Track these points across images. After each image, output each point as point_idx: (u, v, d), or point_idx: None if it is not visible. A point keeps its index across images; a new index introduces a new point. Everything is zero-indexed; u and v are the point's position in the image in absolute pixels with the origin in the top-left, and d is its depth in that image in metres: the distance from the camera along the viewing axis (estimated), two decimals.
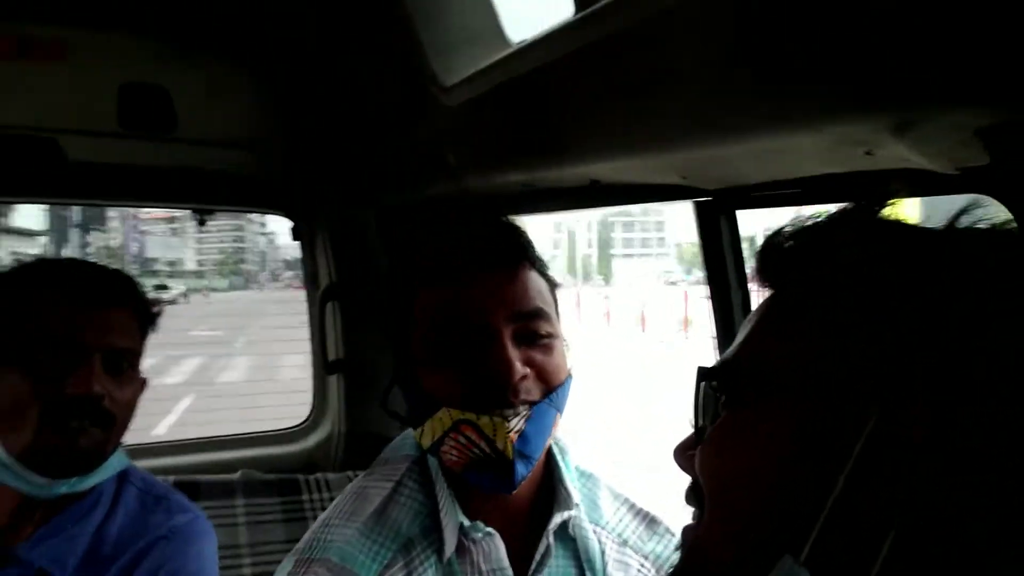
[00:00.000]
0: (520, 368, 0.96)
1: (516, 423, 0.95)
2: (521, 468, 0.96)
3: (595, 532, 1.07)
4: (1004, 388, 0.49)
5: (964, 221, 0.57)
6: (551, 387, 1.00)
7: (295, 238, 2.09)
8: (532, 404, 0.97)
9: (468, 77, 1.28)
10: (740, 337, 0.61)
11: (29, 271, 1.18)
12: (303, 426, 2.13)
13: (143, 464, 1.44)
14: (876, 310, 0.53)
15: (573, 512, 1.04)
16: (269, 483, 1.85)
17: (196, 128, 1.84)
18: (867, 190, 0.87)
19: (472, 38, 1.31)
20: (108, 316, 1.14)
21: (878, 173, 0.84)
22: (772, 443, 0.54)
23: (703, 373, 0.61)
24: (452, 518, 0.99)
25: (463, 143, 1.38)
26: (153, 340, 1.26)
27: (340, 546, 0.97)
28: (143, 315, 1.22)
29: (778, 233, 0.61)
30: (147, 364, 1.24)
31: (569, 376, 1.03)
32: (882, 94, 0.69)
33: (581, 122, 1.09)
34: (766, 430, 0.55)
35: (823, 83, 0.74)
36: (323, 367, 2.07)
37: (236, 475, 1.86)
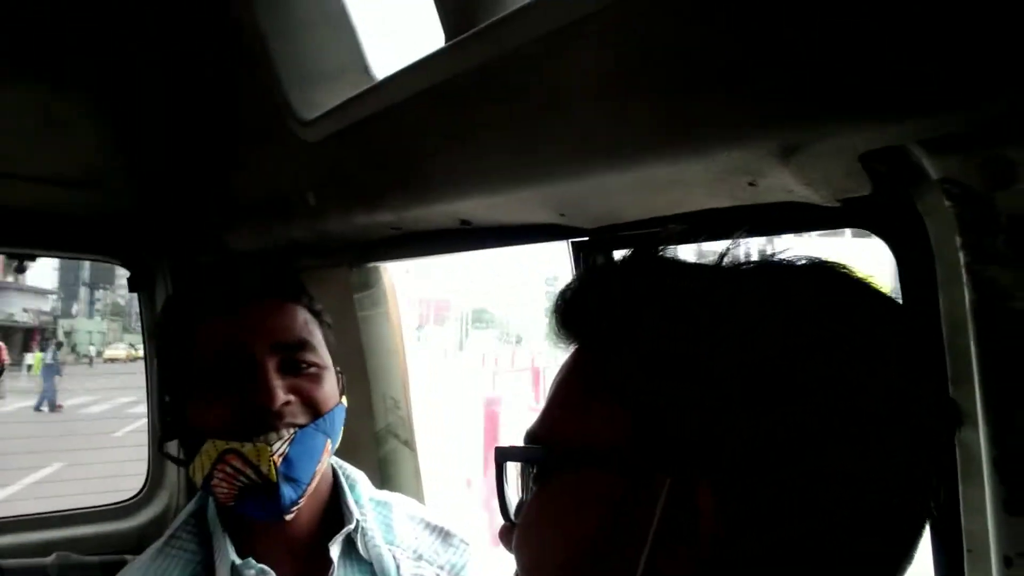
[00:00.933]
0: (282, 395, 0.99)
1: (280, 447, 0.97)
2: (288, 491, 0.98)
3: (390, 551, 1.08)
4: (786, 451, 0.48)
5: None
6: (318, 414, 1.02)
7: (132, 289, 1.91)
8: (297, 428, 1.00)
9: (328, 111, 1.20)
10: (544, 406, 0.58)
11: None
12: (135, 500, 1.90)
13: None
14: (652, 370, 0.51)
15: (353, 526, 1.06)
16: (90, 566, 1.63)
17: (24, 163, 1.66)
18: (748, 225, 0.85)
19: (335, 73, 1.23)
20: None
21: (761, 207, 0.82)
22: (578, 521, 0.52)
23: (502, 453, 0.58)
24: (224, 559, 0.99)
25: (324, 182, 1.28)
26: None
27: None
28: None
29: (569, 288, 0.58)
30: None
31: (339, 405, 1.06)
32: (769, 115, 0.67)
33: (449, 157, 1.03)
34: (571, 507, 0.53)
35: (712, 106, 0.72)
36: (161, 432, 1.88)
37: (50, 558, 1.64)
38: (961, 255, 0.64)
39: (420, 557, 1.12)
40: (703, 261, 0.57)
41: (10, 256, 1.83)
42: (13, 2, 1.47)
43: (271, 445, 0.97)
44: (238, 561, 0.99)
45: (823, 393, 0.48)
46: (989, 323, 0.62)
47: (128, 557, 1.66)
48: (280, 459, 0.97)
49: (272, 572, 1.01)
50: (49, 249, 1.87)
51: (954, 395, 0.69)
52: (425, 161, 1.08)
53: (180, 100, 1.57)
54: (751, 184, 0.76)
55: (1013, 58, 0.53)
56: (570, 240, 1.06)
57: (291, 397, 1.01)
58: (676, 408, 0.50)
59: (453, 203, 1.08)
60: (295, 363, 1.03)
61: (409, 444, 1.56)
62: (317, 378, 1.04)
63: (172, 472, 1.89)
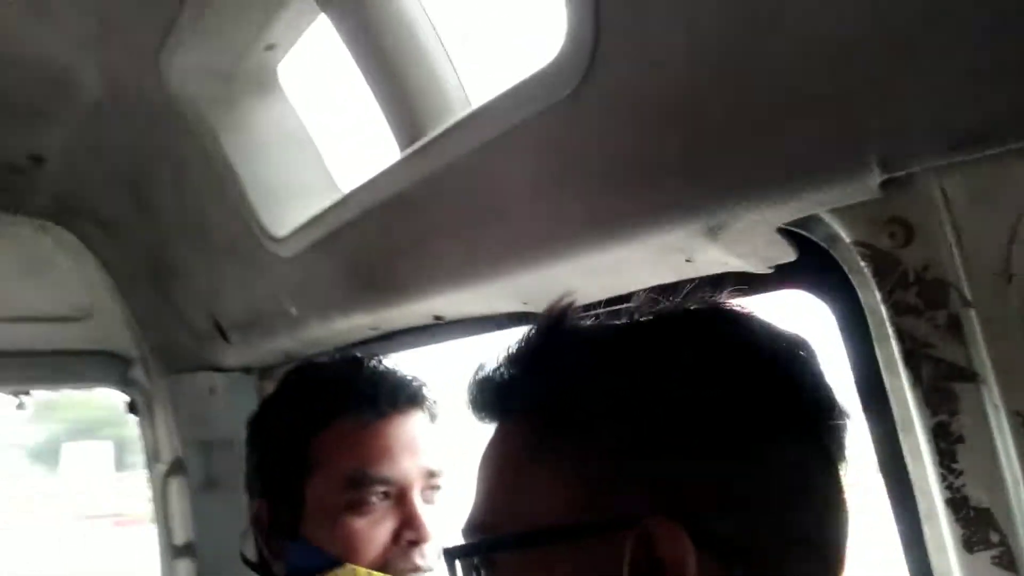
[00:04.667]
0: (432, 528, 0.91)
1: None
2: None
3: None
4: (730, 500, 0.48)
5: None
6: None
7: (130, 411, 1.95)
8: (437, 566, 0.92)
9: (299, 227, 1.26)
10: (478, 492, 0.56)
11: None
12: None
13: None
14: (585, 434, 0.51)
15: None
16: None
17: (18, 304, 1.71)
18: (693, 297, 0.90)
19: (302, 190, 1.30)
20: None
21: (704, 279, 0.87)
22: None
23: (451, 553, 0.55)
24: None
25: (302, 292, 1.34)
26: None
27: None
28: None
29: (487, 366, 0.57)
30: None
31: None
32: (690, 202, 0.73)
33: (413, 260, 1.09)
34: None
35: (637, 197, 0.77)
36: (170, 552, 1.88)
37: None
38: (883, 309, 0.68)
39: None
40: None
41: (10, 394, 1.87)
42: None
43: None
44: None
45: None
46: (918, 371, 0.66)
47: None
48: None
49: None
50: (46, 384, 1.90)
51: (903, 442, 0.73)
52: (392, 265, 1.13)
53: (158, 231, 1.63)
54: (688, 261, 0.81)
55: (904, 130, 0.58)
56: None
57: (435, 529, 0.92)
58: (627, 460, 0.49)
59: (422, 301, 1.12)
60: (431, 491, 0.95)
61: None
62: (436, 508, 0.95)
63: None
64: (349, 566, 0.90)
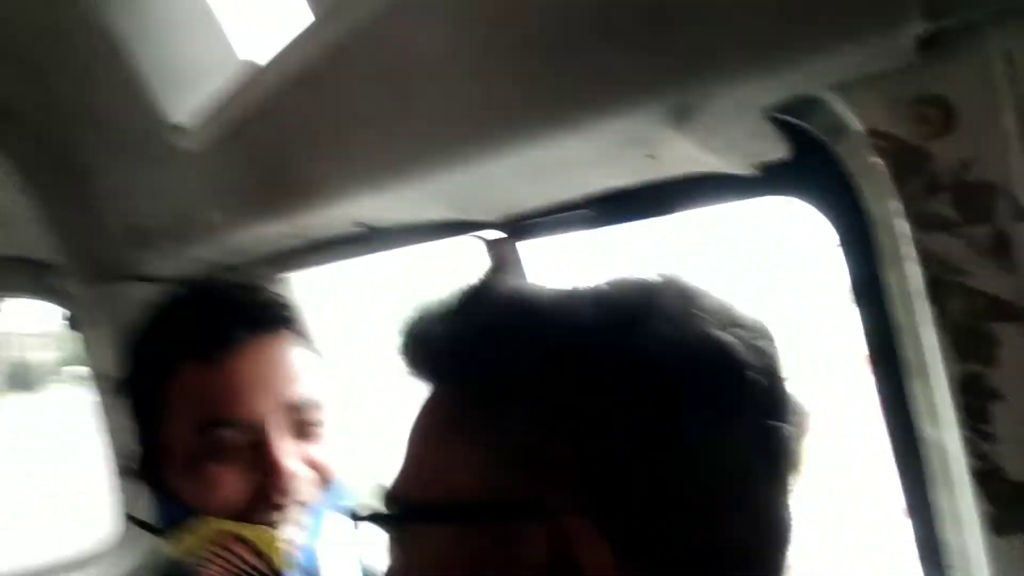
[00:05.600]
0: (293, 467, 0.79)
1: (292, 535, 0.79)
2: None
3: None
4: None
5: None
6: (327, 484, 0.83)
7: (72, 327, 1.79)
8: (308, 507, 0.81)
9: (207, 116, 1.06)
10: (403, 459, 0.51)
11: None
12: (100, 553, 1.78)
13: None
14: (513, 405, 0.46)
15: None
16: None
17: None
18: (659, 203, 0.72)
19: (204, 72, 1.09)
20: None
21: (672, 183, 0.69)
22: None
23: (356, 516, 0.53)
24: None
25: (213, 192, 1.15)
26: None
27: None
28: None
29: (425, 318, 0.51)
30: None
31: (342, 469, 0.85)
32: (651, 73, 0.54)
33: (331, 155, 0.90)
34: (437, 569, 0.48)
35: (581, 70, 0.58)
36: (123, 473, 1.77)
37: None
38: (900, 222, 0.51)
39: None
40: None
41: None
42: None
43: (282, 535, 0.80)
44: None
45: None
46: (945, 305, 0.49)
47: None
48: (293, 549, 0.80)
49: None
50: None
51: (915, 389, 0.57)
52: (307, 159, 0.95)
53: (64, 123, 1.43)
54: (650, 157, 0.63)
55: None
56: (480, 235, 0.92)
57: (302, 468, 0.82)
58: (549, 444, 0.44)
59: (343, 204, 0.94)
60: (303, 424, 0.84)
61: None
62: (322, 438, 0.85)
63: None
64: (205, 517, 0.80)
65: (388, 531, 0.51)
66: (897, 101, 0.48)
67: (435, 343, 0.50)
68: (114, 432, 1.74)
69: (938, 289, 0.49)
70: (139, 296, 1.62)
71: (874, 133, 0.49)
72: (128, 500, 1.77)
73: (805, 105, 0.53)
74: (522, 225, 0.87)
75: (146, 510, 1.08)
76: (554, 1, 0.58)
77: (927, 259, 0.49)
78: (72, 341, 1.82)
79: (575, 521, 0.43)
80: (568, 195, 0.77)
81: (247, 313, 0.84)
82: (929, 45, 0.44)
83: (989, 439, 0.50)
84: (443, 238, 0.94)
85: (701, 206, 0.68)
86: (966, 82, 0.45)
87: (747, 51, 0.49)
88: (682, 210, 0.70)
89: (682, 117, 0.55)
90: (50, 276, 1.72)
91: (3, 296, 1.92)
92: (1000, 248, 0.47)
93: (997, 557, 0.52)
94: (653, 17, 0.52)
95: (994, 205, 0.46)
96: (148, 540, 1.71)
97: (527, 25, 0.61)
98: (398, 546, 0.51)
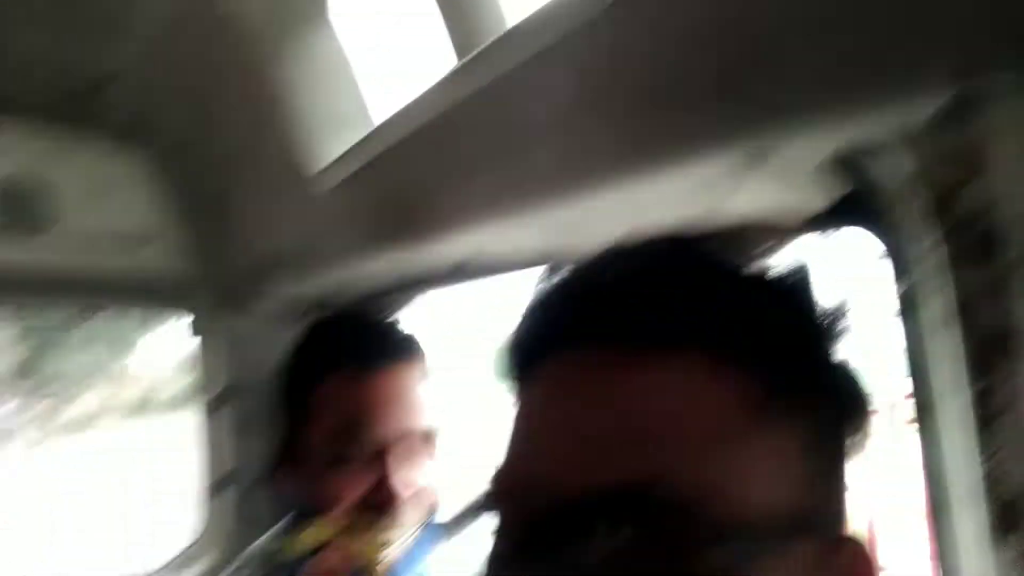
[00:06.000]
0: (406, 489, 0.90)
1: (393, 548, 0.89)
2: None
3: None
4: None
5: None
6: (431, 508, 0.94)
7: (195, 333, 1.94)
8: (413, 529, 0.91)
9: (335, 161, 1.22)
10: (627, 435, 0.38)
11: None
12: (184, 556, 1.91)
13: None
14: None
15: None
16: None
17: (79, 226, 1.74)
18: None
19: (341, 124, 1.26)
20: None
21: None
22: None
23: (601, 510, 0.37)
24: None
25: (336, 231, 1.31)
26: None
27: None
28: None
29: (604, 282, 0.43)
30: None
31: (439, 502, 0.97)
32: (729, 124, 0.66)
33: (446, 195, 1.04)
34: None
35: (672, 117, 0.71)
36: (213, 484, 1.89)
37: None
38: (930, 256, 0.60)
39: None
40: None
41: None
42: None
43: (387, 544, 0.89)
44: None
45: None
46: (965, 330, 0.58)
47: None
48: (390, 561, 0.89)
49: None
50: (105, 304, 1.95)
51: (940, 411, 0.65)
52: (422, 201, 1.09)
53: (216, 159, 1.63)
54: (721, 200, 0.74)
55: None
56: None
57: (409, 493, 0.91)
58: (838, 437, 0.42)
59: (458, 241, 1.08)
60: (414, 451, 0.93)
61: None
62: (427, 468, 0.93)
63: (226, 524, 1.90)
64: (320, 521, 0.90)
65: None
66: (935, 150, 0.58)
67: (677, 310, 0.40)
68: (212, 448, 1.90)
69: (959, 314, 0.58)
70: (250, 327, 1.80)
71: (915, 177, 0.60)
72: (217, 513, 1.91)
73: (858, 152, 0.63)
74: None
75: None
76: (653, 57, 0.71)
77: (949, 288, 0.59)
78: (193, 363, 2.00)
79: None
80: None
81: (387, 341, 0.97)
82: (961, 102, 0.54)
83: (991, 453, 0.58)
84: (532, 268, 1.07)
85: (770, 244, 0.78)
86: (995, 130, 0.54)
87: (810, 105, 0.61)
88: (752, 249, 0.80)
89: (754, 162, 0.67)
90: (183, 295, 1.91)
91: (136, 308, 2.12)
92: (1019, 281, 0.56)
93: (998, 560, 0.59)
94: (733, 75, 0.65)
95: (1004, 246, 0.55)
96: (230, 546, 1.84)
97: (628, 82, 0.74)
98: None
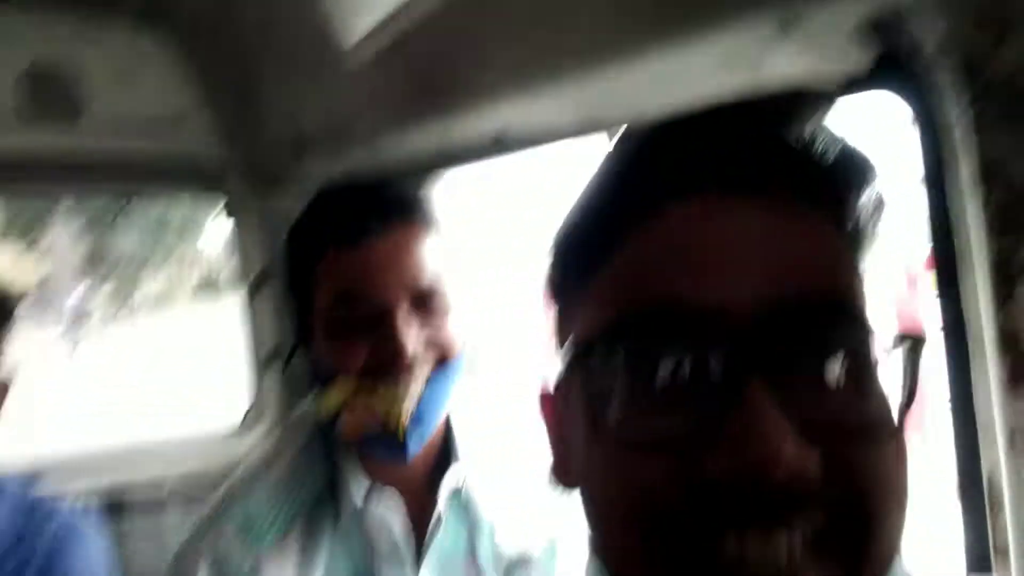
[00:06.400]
0: (412, 346, 0.94)
1: (408, 401, 0.94)
2: (414, 443, 0.96)
3: (487, 496, 1.07)
4: None
5: None
6: (447, 358, 0.98)
7: (229, 214, 1.97)
8: (427, 378, 0.96)
9: (369, 33, 1.22)
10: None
11: None
12: (239, 429, 2.01)
13: (63, 482, 1.39)
14: None
15: (460, 479, 1.05)
16: (202, 490, 1.78)
17: (110, 110, 1.74)
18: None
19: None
20: None
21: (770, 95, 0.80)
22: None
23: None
24: (349, 486, 1.00)
25: (370, 106, 1.32)
26: None
27: (241, 511, 0.98)
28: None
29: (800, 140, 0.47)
30: None
31: (465, 344, 1.01)
32: None
33: (481, 66, 1.05)
34: None
35: None
36: (259, 362, 1.98)
37: (168, 490, 1.78)
38: (961, 120, 0.61)
39: (518, 509, 1.07)
40: None
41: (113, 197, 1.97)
42: None
43: (400, 399, 0.94)
44: (364, 492, 1.00)
45: None
46: (989, 193, 0.60)
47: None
48: (408, 414, 0.95)
49: (396, 507, 1.01)
50: (135, 189, 1.98)
51: (961, 270, 0.67)
52: (457, 73, 1.09)
53: (243, 35, 1.62)
54: (755, 69, 0.75)
55: None
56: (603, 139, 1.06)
57: (421, 345, 0.96)
58: None
59: (487, 114, 1.09)
60: (426, 307, 0.97)
61: None
62: (446, 321, 0.98)
63: (273, 400, 2.00)
64: (341, 379, 0.96)
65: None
66: (965, 14, 0.58)
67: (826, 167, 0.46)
68: (255, 326, 1.97)
69: (983, 179, 0.60)
70: (292, 198, 1.84)
71: (947, 41, 0.60)
72: (266, 384, 2.01)
73: (890, 17, 0.63)
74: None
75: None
76: None
77: (975, 152, 0.60)
78: (232, 245, 2.04)
79: None
80: (681, 103, 0.89)
81: (384, 207, 0.99)
82: None
83: (1009, 308, 0.61)
84: (570, 141, 1.08)
85: (801, 111, 0.79)
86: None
87: None
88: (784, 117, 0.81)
89: (786, 28, 0.67)
90: (215, 175, 1.94)
91: (169, 193, 2.16)
92: None
93: (1011, 410, 0.63)
94: None
95: None
96: (280, 413, 1.94)
97: None
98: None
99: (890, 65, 0.67)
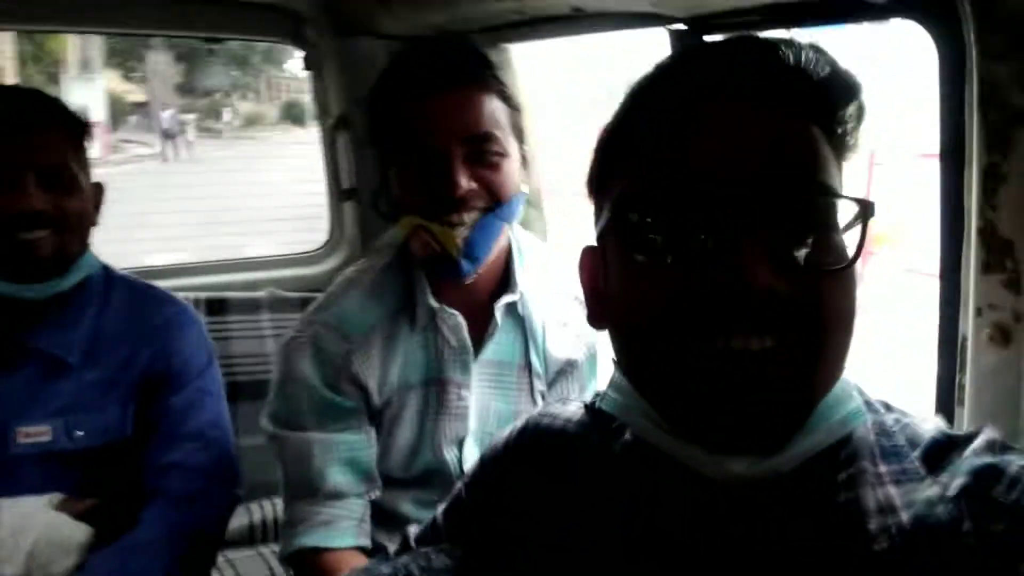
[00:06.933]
0: (465, 185, 1.10)
1: (461, 231, 1.11)
2: (466, 266, 1.14)
3: (541, 317, 1.28)
4: None
5: None
6: (499, 200, 1.14)
7: (307, 67, 2.12)
8: (479, 214, 1.13)
9: None
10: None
11: None
12: (321, 250, 2.28)
13: (169, 283, 1.60)
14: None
15: (516, 296, 1.24)
16: (292, 300, 2.02)
17: None
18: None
19: None
20: (36, 136, 1.22)
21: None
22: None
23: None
24: (424, 299, 1.20)
25: None
26: None
27: (336, 311, 1.20)
28: (74, 131, 1.29)
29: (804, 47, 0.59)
30: None
31: (519, 191, 1.17)
32: None
33: None
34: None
35: None
36: (337, 195, 2.18)
37: (262, 293, 2.03)
38: (972, 50, 0.73)
39: (566, 325, 1.29)
40: None
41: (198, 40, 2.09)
42: None
43: (454, 229, 1.11)
44: (435, 304, 1.19)
45: None
46: (986, 114, 0.73)
47: (319, 294, 2.01)
48: (461, 241, 1.11)
49: (460, 316, 1.20)
50: (224, 31, 2.10)
51: (964, 177, 0.80)
52: None
53: None
54: None
55: None
56: (668, 28, 1.17)
57: (474, 185, 1.11)
58: None
59: None
60: (480, 153, 1.12)
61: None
62: (499, 167, 1.13)
63: (349, 227, 2.21)
64: (405, 217, 1.14)
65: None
66: None
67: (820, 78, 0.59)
68: (334, 163, 2.12)
69: (983, 101, 0.72)
70: (369, 50, 1.96)
71: None
72: (344, 217, 2.22)
73: None
74: (703, 23, 1.11)
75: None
76: None
77: (981, 79, 0.72)
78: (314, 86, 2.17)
79: None
80: (745, 3, 0.99)
81: (447, 69, 1.13)
82: None
83: (993, 208, 0.75)
84: (639, 26, 1.19)
85: (841, 22, 0.90)
86: None
87: None
88: (827, 23, 0.92)
89: None
90: (298, 24, 2.05)
91: (254, 38, 2.27)
92: None
93: (983, 287, 0.79)
94: None
95: None
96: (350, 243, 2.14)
97: None
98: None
99: None
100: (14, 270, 1.22)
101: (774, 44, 0.60)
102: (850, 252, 0.58)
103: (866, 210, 0.57)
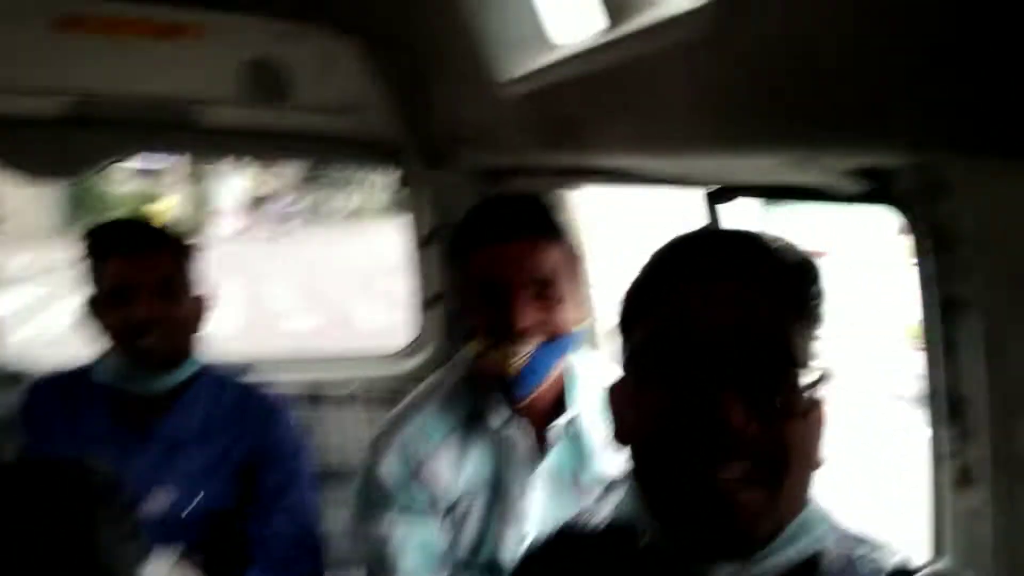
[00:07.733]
0: (524, 319, 1.31)
1: (518, 360, 1.32)
2: (521, 389, 1.35)
3: (594, 432, 1.43)
4: None
5: None
6: (556, 334, 1.35)
7: (403, 185, 2.39)
8: (536, 346, 1.32)
9: (524, 76, 1.52)
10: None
11: None
12: (407, 348, 2.46)
13: (271, 377, 1.86)
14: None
15: (570, 416, 1.43)
16: (378, 397, 2.25)
17: (311, 96, 2.17)
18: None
19: (522, 41, 1.56)
20: (147, 258, 1.57)
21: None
22: None
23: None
24: (499, 407, 1.40)
25: (517, 127, 1.65)
26: None
27: (419, 419, 1.42)
28: (176, 251, 1.62)
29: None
30: None
31: (578, 329, 1.38)
32: (776, 134, 0.93)
33: (602, 126, 1.35)
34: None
35: (761, 123, 0.97)
36: (423, 301, 2.40)
37: (352, 389, 2.27)
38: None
39: None
40: None
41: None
42: None
43: (512, 357, 1.31)
44: (506, 414, 1.39)
45: None
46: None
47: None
48: (518, 367, 1.32)
49: (527, 424, 1.40)
50: (335, 160, 2.42)
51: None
52: (586, 125, 1.40)
53: (422, 43, 1.96)
54: (803, 169, 1.03)
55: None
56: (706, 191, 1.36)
57: (535, 320, 1.31)
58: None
59: (609, 157, 1.42)
60: (541, 294, 1.32)
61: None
62: (559, 307, 1.33)
63: (434, 329, 2.39)
64: (475, 339, 1.37)
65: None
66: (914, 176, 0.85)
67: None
68: (423, 274, 2.38)
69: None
70: (455, 179, 2.20)
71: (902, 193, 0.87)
72: (429, 322, 2.43)
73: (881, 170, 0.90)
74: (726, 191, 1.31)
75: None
76: (746, 79, 0.95)
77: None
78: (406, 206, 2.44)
79: None
80: (755, 181, 1.17)
81: (516, 220, 1.36)
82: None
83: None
84: (671, 186, 1.38)
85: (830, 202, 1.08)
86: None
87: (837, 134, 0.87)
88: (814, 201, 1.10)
89: (806, 163, 0.95)
90: (395, 155, 2.32)
91: (356, 168, 2.58)
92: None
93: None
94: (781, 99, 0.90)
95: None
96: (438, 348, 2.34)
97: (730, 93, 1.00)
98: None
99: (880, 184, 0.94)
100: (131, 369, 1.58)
101: (754, 237, 0.80)
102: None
103: (823, 376, 0.76)
